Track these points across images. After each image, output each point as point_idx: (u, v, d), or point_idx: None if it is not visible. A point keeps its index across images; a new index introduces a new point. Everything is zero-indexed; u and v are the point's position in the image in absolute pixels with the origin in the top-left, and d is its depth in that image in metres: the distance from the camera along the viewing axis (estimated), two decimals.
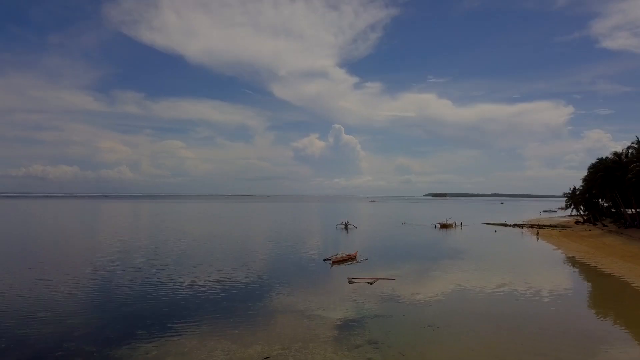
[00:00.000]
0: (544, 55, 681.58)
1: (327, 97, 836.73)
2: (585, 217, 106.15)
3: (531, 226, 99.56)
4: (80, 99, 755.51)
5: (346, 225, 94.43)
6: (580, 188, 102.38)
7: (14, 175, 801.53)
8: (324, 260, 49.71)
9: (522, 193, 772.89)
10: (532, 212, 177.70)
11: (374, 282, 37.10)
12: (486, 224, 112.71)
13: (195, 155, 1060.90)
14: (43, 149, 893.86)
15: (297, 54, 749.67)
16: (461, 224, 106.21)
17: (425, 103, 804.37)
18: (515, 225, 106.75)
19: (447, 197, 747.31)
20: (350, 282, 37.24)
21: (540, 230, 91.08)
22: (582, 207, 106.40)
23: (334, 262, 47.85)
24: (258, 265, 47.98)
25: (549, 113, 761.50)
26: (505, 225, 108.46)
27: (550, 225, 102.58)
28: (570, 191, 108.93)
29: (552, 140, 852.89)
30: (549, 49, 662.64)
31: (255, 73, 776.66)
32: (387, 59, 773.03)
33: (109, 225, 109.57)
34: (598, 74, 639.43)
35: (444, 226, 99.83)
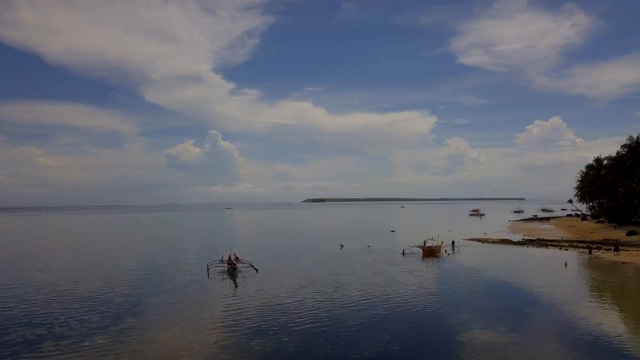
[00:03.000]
0: (411, 68, 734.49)
1: (204, 102, 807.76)
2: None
3: (589, 246, 57.61)
4: None
5: (232, 268, 43.82)
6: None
7: None
8: None
9: (394, 197, 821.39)
10: (489, 217, 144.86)
11: None
12: (477, 240, 70.81)
13: (57, 163, 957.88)
14: None
15: (170, 57, 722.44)
16: (453, 243, 62.34)
17: (303, 111, 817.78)
18: (529, 241, 67.42)
19: (326, 202, 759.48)
20: None
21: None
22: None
23: None
24: None
25: (416, 122, 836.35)
26: (510, 242, 67.77)
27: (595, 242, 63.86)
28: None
29: (419, 148, 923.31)
30: (416, 62, 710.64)
31: (126, 76, 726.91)
32: (265, 66, 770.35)
33: None
34: (458, 87, 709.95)
35: (429, 252, 54.48)
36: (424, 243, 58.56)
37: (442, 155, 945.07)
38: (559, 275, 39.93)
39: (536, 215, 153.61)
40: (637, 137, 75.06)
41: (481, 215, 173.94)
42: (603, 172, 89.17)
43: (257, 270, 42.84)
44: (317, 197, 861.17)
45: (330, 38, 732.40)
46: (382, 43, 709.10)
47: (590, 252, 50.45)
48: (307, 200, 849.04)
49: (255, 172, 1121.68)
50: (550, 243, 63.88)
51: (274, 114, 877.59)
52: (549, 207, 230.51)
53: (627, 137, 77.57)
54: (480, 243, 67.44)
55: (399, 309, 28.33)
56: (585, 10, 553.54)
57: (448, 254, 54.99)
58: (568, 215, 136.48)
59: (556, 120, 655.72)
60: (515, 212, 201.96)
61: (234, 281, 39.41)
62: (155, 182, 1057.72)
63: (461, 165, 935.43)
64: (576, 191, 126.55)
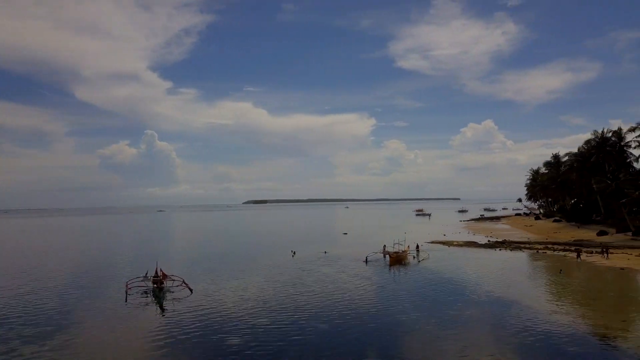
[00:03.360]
0: (351, 70, 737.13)
1: (139, 101, 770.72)
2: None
3: (578, 249, 50.49)
4: None
5: (159, 287, 32.88)
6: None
7: None
8: None
9: (335, 198, 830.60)
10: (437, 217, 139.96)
11: None
12: (442, 243, 63.51)
13: None
14: None
15: (103, 54, 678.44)
16: (417, 247, 54.26)
17: (243, 111, 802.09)
18: (498, 243, 60.80)
19: (267, 204, 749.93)
20: None
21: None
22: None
23: None
24: None
25: (355, 124, 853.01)
26: (477, 245, 61.10)
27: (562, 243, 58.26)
28: None
29: (359, 149, 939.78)
30: (356, 65, 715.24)
31: (54, 72, 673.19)
32: (203, 65, 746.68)
33: None
34: (396, 90, 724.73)
35: (396, 259, 45.92)
36: (384, 248, 50.69)
37: (381, 156, 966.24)
38: (562, 285, 32.61)
39: (483, 215, 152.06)
40: (602, 132, 71.67)
41: (427, 215, 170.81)
42: (563, 169, 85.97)
43: (191, 289, 32.60)
44: (258, 199, 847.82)
45: (271, 39, 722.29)
46: (322, 45, 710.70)
47: (578, 256, 44.18)
48: (248, 202, 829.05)
49: (194, 173, 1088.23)
50: (523, 246, 57.73)
51: (213, 114, 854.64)
52: (491, 206, 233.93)
53: (592, 131, 74.12)
54: (447, 246, 60.13)
55: (383, 344, 19.08)
56: (514, 19, 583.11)
57: (419, 261, 46.76)
58: (517, 214, 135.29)
59: (488, 123, 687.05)
60: (459, 211, 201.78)
61: (160, 306, 28.93)
62: (87, 184, 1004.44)
63: (399, 166, 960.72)
64: (526, 190, 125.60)
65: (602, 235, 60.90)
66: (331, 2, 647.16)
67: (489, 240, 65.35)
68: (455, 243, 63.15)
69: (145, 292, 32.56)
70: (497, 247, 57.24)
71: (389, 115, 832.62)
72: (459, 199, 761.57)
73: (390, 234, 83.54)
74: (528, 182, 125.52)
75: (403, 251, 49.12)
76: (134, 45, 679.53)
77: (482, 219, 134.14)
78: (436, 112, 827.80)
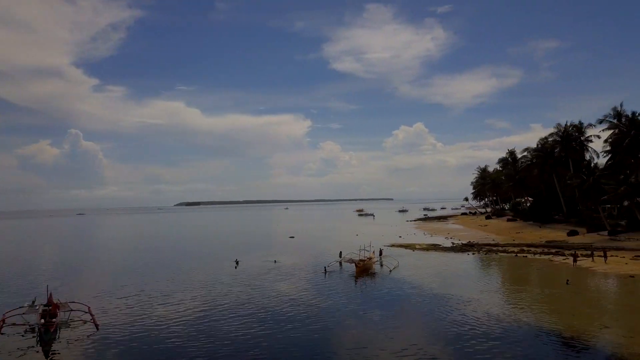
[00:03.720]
0: (286, 71, 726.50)
1: (62, 99, 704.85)
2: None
3: (574, 253, 43.41)
4: None
5: (48, 323, 21.54)
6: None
7: None
8: None
9: (271, 199, 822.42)
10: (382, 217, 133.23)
11: None
12: (402, 246, 55.68)
13: None
14: None
15: (21, 47, 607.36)
16: (380, 252, 46.27)
17: (175, 111, 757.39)
18: (466, 246, 53.84)
19: (201, 206, 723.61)
20: None
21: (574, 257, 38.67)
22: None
23: None
24: None
25: (291, 125, 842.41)
26: (442, 248, 54.04)
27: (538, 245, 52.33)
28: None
29: (295, 150, 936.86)
30: (291, 66, 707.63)
31: None
32: (132, 62, 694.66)
33: None
34: (330, 92, 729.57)
35: (362, 268, 37.13)
36: (340, 255, 43.55)
37: (317, 157, 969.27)
38: (595, 302, 25.38)
39: (426, 215, 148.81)
40: (565, 126, 67.82)
41: (371, 215, 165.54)
42: (521, 165, 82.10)
43: (97, 324, 22.16)
44: (191, 201, 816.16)
45: (203, 37, 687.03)
46: (257, 45, 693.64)
47: (575, 261, 37.91)
48: (180, 204, 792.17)
49: (123, 174, 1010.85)
50: (495, 249, 51.30)
51: (143, 113, 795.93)
52: (429, 206, 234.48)
53: (555, 125, 70.19)
54: (410, 250, 52.49)
55: None
56: (442, 26, 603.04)
57: (390, 270, 38.28)
58: (464, 214, 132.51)
59: (419, 126, 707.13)
60: (400, 211, 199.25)
61: (47, 352, 18.66)
62: (3, 187, 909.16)
63: (334, 167, 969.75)
64: (472, 188, 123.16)
65: (573, 235, 56.19)
66: (265, 2, 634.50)
67: (453, 243, 58.66)
68: (417, 246, 55.72)
69: (31, 330, 21.68)
70: (467, 251, 50.32)
71: (324, 117, 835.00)
72: (392, 199, 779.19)
73: (339, 236, 75.36)
74: (474, 180, 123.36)
75: (369, 258, 40.56)
76: (55, 39, 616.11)
77: (428, 218, 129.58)
78: (370, 115, 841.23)
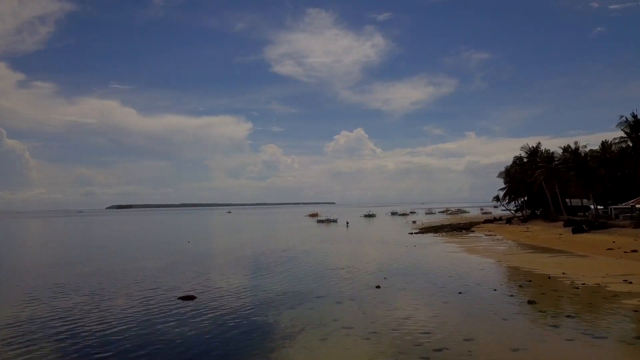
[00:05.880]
0: (226, 72, 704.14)
1: None
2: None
3: None
4: None
5: None
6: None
7: None
8: None
9: (210, 202, 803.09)
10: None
11: None
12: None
13: None
14: None
15: None
16: None
17: (108, 110, 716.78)
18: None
19: (133, 209, 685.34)
20: None
21: None
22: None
23: None
24: None
25: (231, 127, 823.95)
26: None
27: None
28: None
29: (235, 153, 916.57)
30: (231, 67, 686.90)
31: None
32: (62, 57, 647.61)
33: None
34: (272, 95, 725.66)
35: None
36: None
37: (258, 161, 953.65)
38: None
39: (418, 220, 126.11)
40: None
41: (332, 221, 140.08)
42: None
43: None
44: (123, 204, 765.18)
45: (140, 34, 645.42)
46: (195, 45, 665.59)
47: None
48: (112, 207, 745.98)
49: (51, 176, 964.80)
50: None
51: (73, 111, 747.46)
52: (398, 210, 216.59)
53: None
54: None
55: None
56: (382, 33, 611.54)
57: None
58: (487, 221, 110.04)
59: (359, 131, 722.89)
60: (366, 216, 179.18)
61: None
62: None
63: (276, 171, 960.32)
64: (505, 188, 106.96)
65: None
66: (204, 2, 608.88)
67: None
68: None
69: None
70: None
71: (265, 120, 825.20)
72: (334, 202, 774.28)
73: (336, 250, 49.28)
74: (503, 178, 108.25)
75: None
76: None
77: (451, 230, 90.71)
78: (311, 119, 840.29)
